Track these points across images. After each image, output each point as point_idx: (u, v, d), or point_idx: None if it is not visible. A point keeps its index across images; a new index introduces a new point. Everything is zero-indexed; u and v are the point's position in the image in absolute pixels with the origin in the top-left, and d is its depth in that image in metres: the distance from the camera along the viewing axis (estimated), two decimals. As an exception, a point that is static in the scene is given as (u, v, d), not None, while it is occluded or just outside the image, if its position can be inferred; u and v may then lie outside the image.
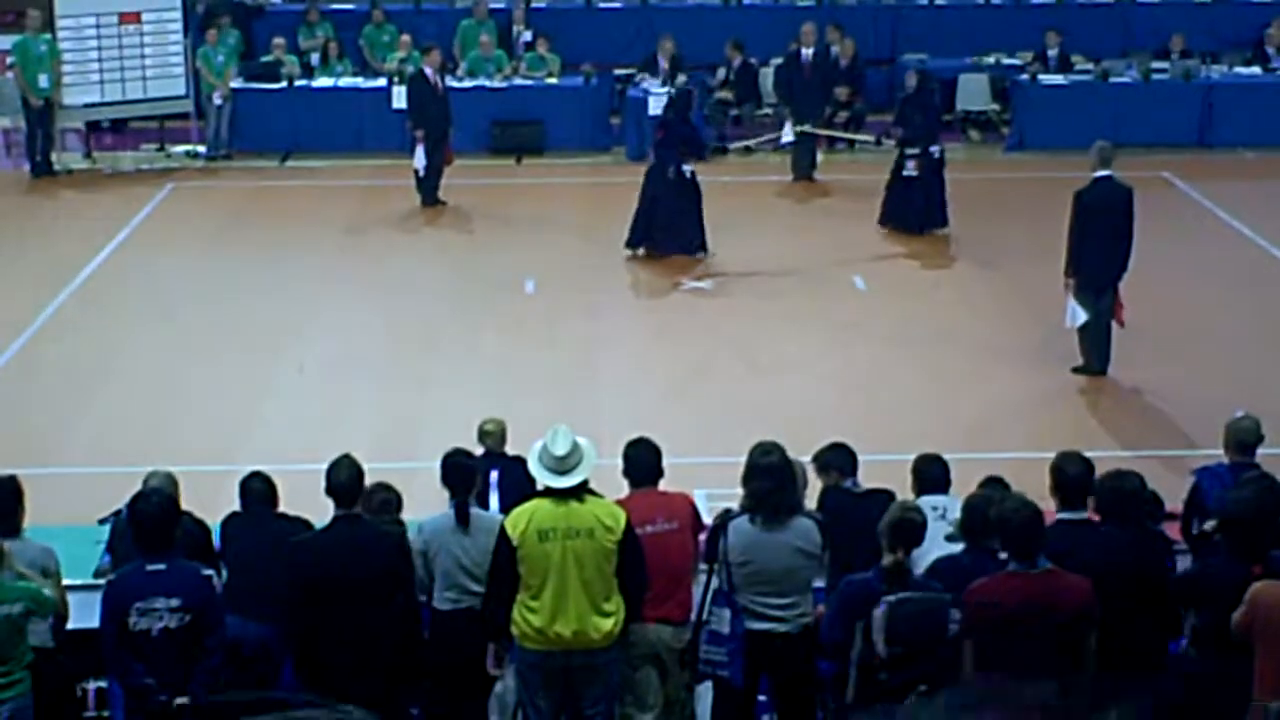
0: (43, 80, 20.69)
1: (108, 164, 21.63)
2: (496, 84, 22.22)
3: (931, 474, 9.05)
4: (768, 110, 22.46)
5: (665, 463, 8.22)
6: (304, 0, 23.84)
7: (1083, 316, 13.85)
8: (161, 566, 7.42)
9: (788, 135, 20.58)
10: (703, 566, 8.25)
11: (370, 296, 16.41)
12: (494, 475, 9.43)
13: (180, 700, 7.30)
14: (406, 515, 8.76)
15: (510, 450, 9.69)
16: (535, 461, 7.76)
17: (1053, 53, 22.57)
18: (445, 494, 8.45)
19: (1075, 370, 14.14)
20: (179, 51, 21.90)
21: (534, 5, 24.27)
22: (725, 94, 22.82)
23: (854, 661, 7.48)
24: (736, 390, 13.89)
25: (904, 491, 8.86)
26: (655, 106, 20.81)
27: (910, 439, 10.80)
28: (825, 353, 14.87)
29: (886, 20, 24.41)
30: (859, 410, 13.10)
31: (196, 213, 19.52)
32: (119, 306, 16.15)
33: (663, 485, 8.24)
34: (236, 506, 8.85)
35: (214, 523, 8.77)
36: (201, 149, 21.77)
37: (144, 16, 21.61)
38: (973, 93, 23.03)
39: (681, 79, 21.45)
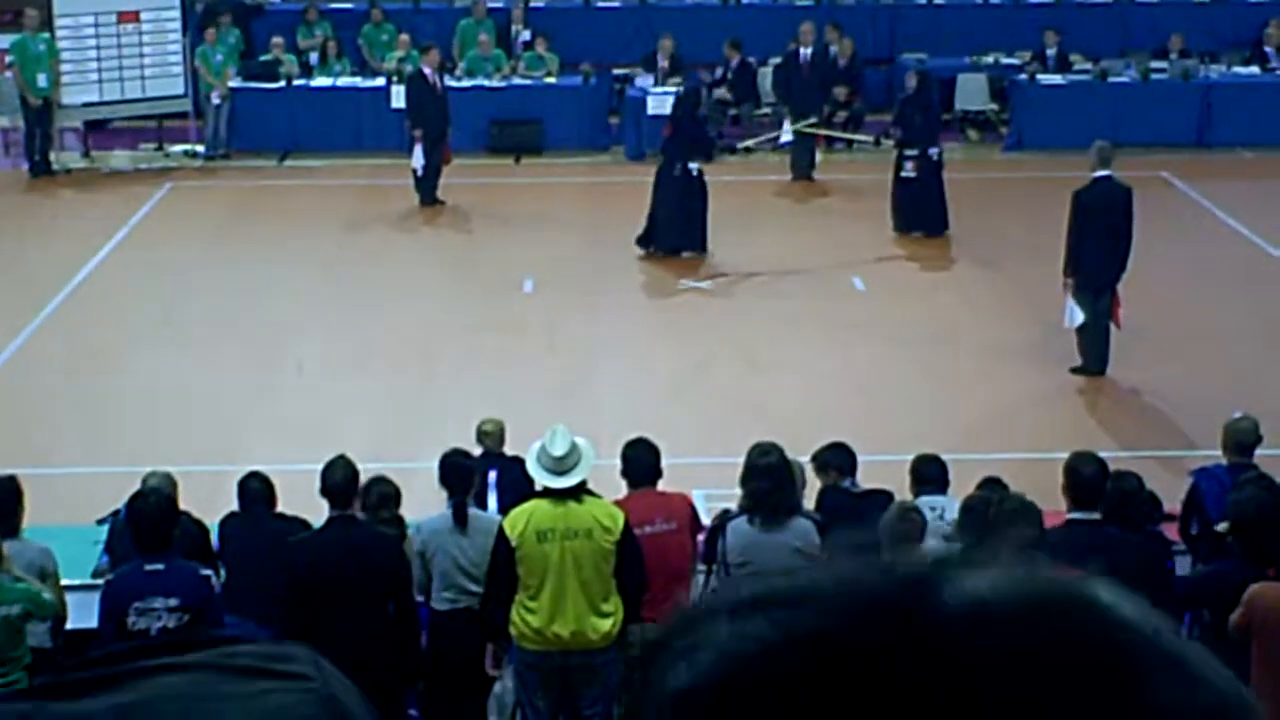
0: (41, 79, 20.68)
1: (105, 163, 21.63)
2: (495, 83, 22.22)
3: (930, 474, 9.06)
4: (766, 110, 22.46)
5: (664, 463, 8.22)
6: (302, 0, 23.84)
7: (1081, 317, 13.85)
8: (160, 566, 7.42)
9: (786, 135, 20.58)
10: (701, 567, 8.26)
11: (368, 296, 16.41)
12: (492, 475, 9.43)
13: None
14: (404, 515, 8.76)
15: (508, 450, 9.69)
16: (533, 462, 7.77)
17: (1051, 52, 22.57)
18: (443, 494, 8.46)
19: (1074, 370, 14.13)
20: (178, 51, 21.90)
21: (532, 4, 24.27)
22: (723, 93, 22.81)
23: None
24: (735, 390, 13.89)
25: (902, 492, 8.87)
26: (654, 106, 20.80)
27: (908, 439, 10.80)
28: (824, 353, 14.86)
29: (885, 20, 24.42)
30: (857, 410, 13.10)
31: (195, 212, 19.51)
32: (117, 306, 16.14)
33: (661, 485, 8.24)
34: (235, 506, 8.86)
35: (212, 523, 8.78)
36: (200, 148, 21.77)
37: (143, 16, 21.61)
38: (971, 92, 23.03)
39: (675, 80, 21.45)
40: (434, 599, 8.23)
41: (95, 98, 21.49)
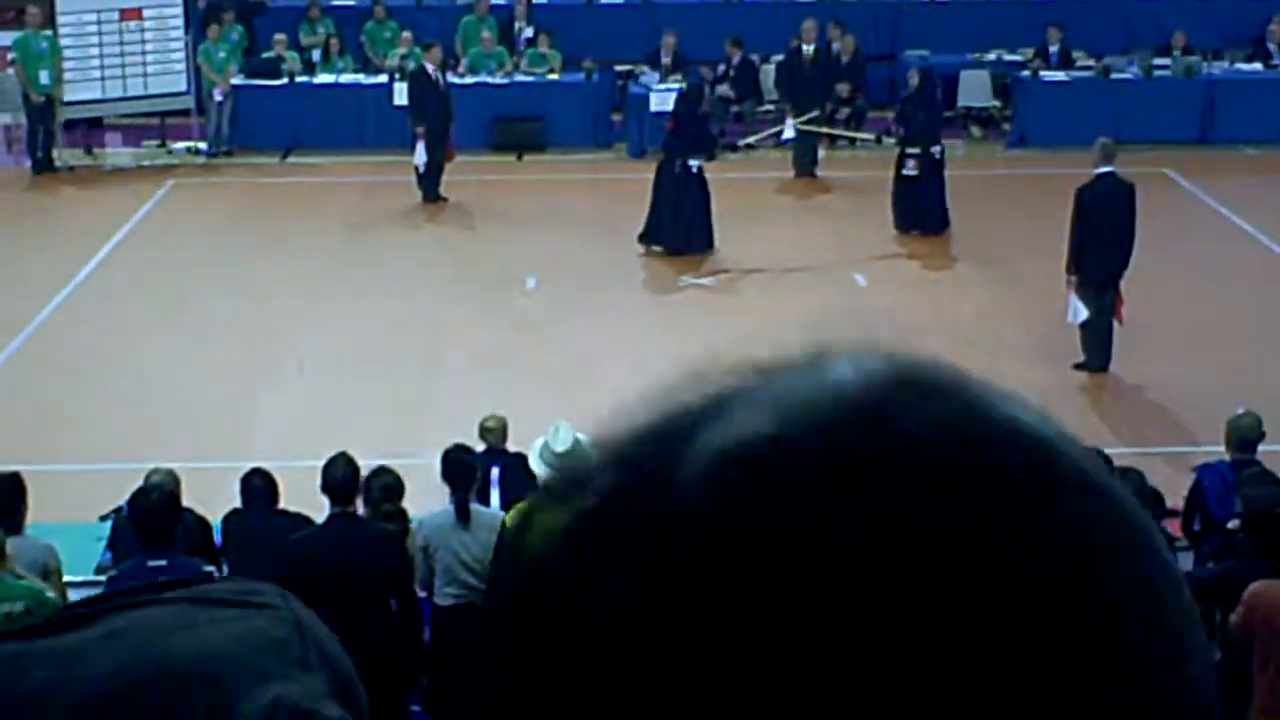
0: (44, 76, 20.68)
1: (108, 161, 21.64)
2: (498, 80, 22.22)
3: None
4: (769, 106, 22.46)
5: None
6: (305, -4, 23.86)
7: (1084, 313, 13.85)
8: (163, 562, 7.43)
9: (789, 131, 20.57)
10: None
11: (371, 293, 16.41)
12: (495, 472, 9.44)
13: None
14: (407, 510, 8.76)
15: (511, 447, 9.70)
16: (536, 458, 7.78)
17: (1054, 49, 22.56)
18: (445, 490, 8.46)
19: (1076, 367, 14.13)
20: (180, 48, 21.91)
21: (535, 1, 24.26)
22: (726, 90, 22.81)
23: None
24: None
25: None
26: (656, 103, 20.80)
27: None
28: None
29: (887, 16, 24.40)
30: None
31: (197, 209, 19.52)
32: (120, 303, 16.15)
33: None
34: (237, 503, 8.86)
35: (215, 519, 8.78)
36: (203, 145, 21.77)
37: (145, 13, 21.62)
38: (974, 89, 23.02)
39: (677, 76, 21.45)
40: (437, 594, 8.23)
41: (98, 95, 21.50)
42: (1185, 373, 14.04)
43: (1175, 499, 9.40)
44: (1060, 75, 22.23)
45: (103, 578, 8.09)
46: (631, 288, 16.73)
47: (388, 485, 8.64)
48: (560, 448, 7.69)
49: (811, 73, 20.77)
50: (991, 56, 23.27)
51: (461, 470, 8.41)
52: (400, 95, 20.84)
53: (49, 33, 20.93)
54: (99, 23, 21.35)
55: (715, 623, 0.70)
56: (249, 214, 19.27)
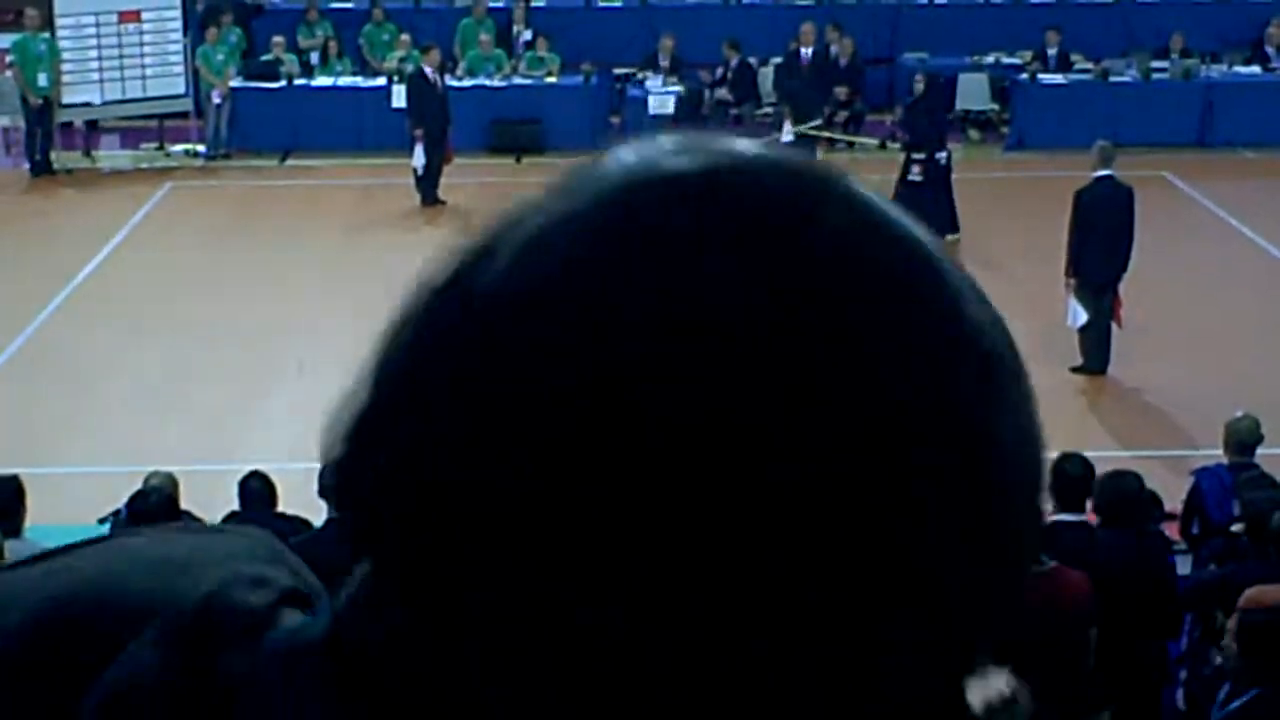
0: (42, 79, 20.68)
1: (106, 163, 21.64)
2: (496, 83, 22.22)
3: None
4: (767, 110, 22.46)
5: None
6: (303, 0, 23.85)
7: (1083, 316, 13.86)
8: (161, 566, 7.43)
9: (787, 135, 20.58)
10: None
11: (369, 295, 16.38)
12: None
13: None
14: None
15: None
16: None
17: (1052, 52, 22.57)
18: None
19: (1074, 370, 14.14)
20: (179, 50, 21.91)
21: (533, 4, 24.27)
22: (724, 94, 22.83)
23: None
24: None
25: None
26: (655, 106, 20.80)
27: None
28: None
29: (886, 19, 24.41)
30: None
31: (196, 211, 19.52)
32: (118, 306, 16.14)
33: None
34: (236, 506, 8.86)
35: (213, 522, 8.77)
36: (201, 148, 21.77)
37: (143, 15, 21.62)
38: (972, 92, 23.03)
39: (674, 80, 21.46)
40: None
41: (96, 97, 21.50)
42: (1184, 376, 14.04)
43: (1174, 502, 9.39)
44: (1058, 78, 22.24)
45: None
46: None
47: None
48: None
49: (810, 76, 20.77)
50: (990, 59, 23.28)
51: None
52: (398, 98, 20.84)
53: (47, 35, 20.93)
54: (97, 25, 21.35)
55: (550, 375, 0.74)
56: (247, 216, 19.27)
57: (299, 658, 0.86)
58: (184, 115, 22.15)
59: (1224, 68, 22.86)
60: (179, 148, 21.87)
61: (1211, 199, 19.53)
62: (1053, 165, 19.89)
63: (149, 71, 21.74)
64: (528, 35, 23.49)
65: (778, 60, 21.62)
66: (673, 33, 22.59)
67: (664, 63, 22.18)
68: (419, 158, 19.29)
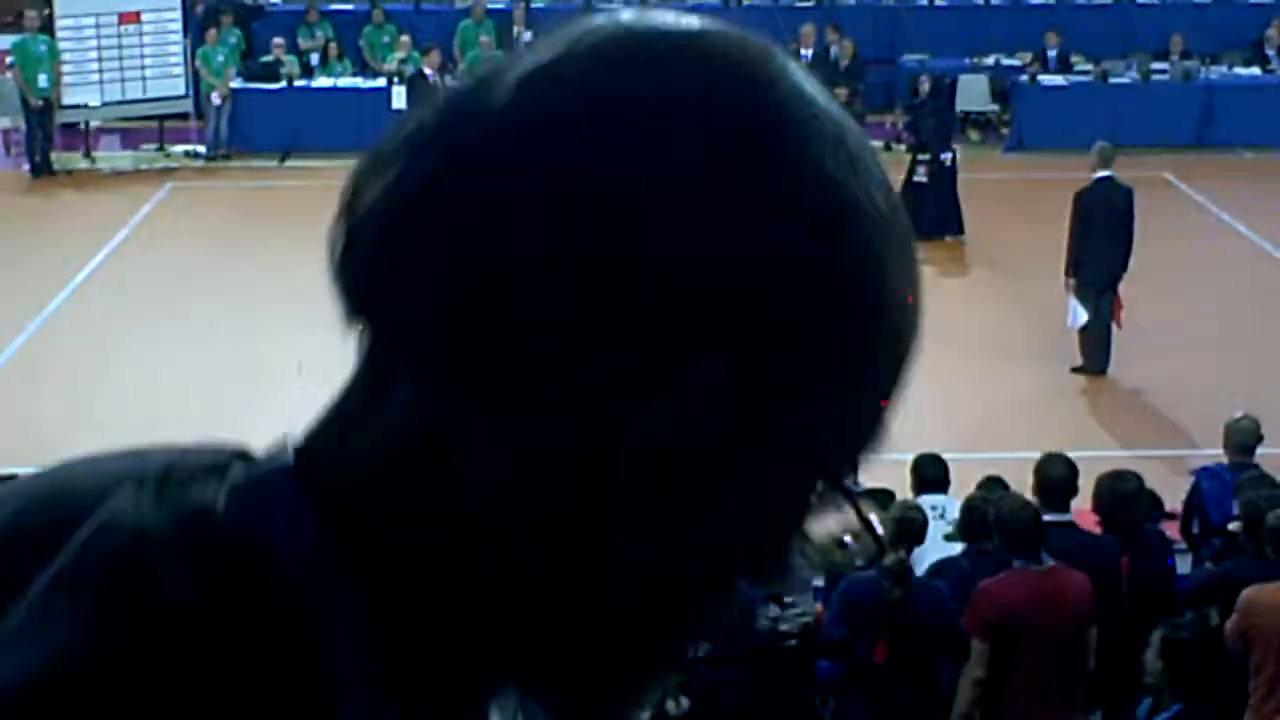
0: (42, 80, 20.68)
1: (106, 164, 21.65)
2: (496, 84, 22.21)
3: (931, 473, 9.07)
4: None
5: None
6: (304, 0, 23.85)
7: (1083, 317, 13.86)
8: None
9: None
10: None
11: (370, 296, 16.39)
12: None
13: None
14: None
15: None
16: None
17: (1052, 53, 22.58)
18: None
19: (1075, 370, 14.14)
20: (179, 51, 21.91)
21: (533, 5, 24.28)
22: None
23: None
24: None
25: (903, 491, 8.87)
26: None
27: (909, 438, 10.79)
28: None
29: (886, 21, 24.42)
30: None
31: (196, 212, 19.52)
32: (118, 306, 16.14)
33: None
34: (236, 506, 8.86)
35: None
36: (201, 149, 21.77)
37: (144, 16, 21.62)
38: (972, 93, 23.02)
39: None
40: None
41: (96, 98, 21.50)
42: (1183, 376, 14.04)
43: (1174, 502, 9.40)
44: (1058, 80, 22.24)
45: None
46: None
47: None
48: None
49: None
50: (989, 61, 23.27)
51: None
52: (399, 99, 20.85)
53: (47, 36, 20.93)
54: (97, 26, 21.35)
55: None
56: (247, 217, 19.27)
57: (270, 480, 0.97)
58: (184, 116, 22.15)
59: (1224, 69, 22.86)
60: (179, 149, 21.87)
61: (1211, 200, 19.54)
62: (1053, 166, 19.89)
63: (149, 73, 21.74)
64: (528, 36, 23.49)
65: (777, 61, 21.63)
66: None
67: (664, 64, 22.19)
68: (419, 158, 19.28)
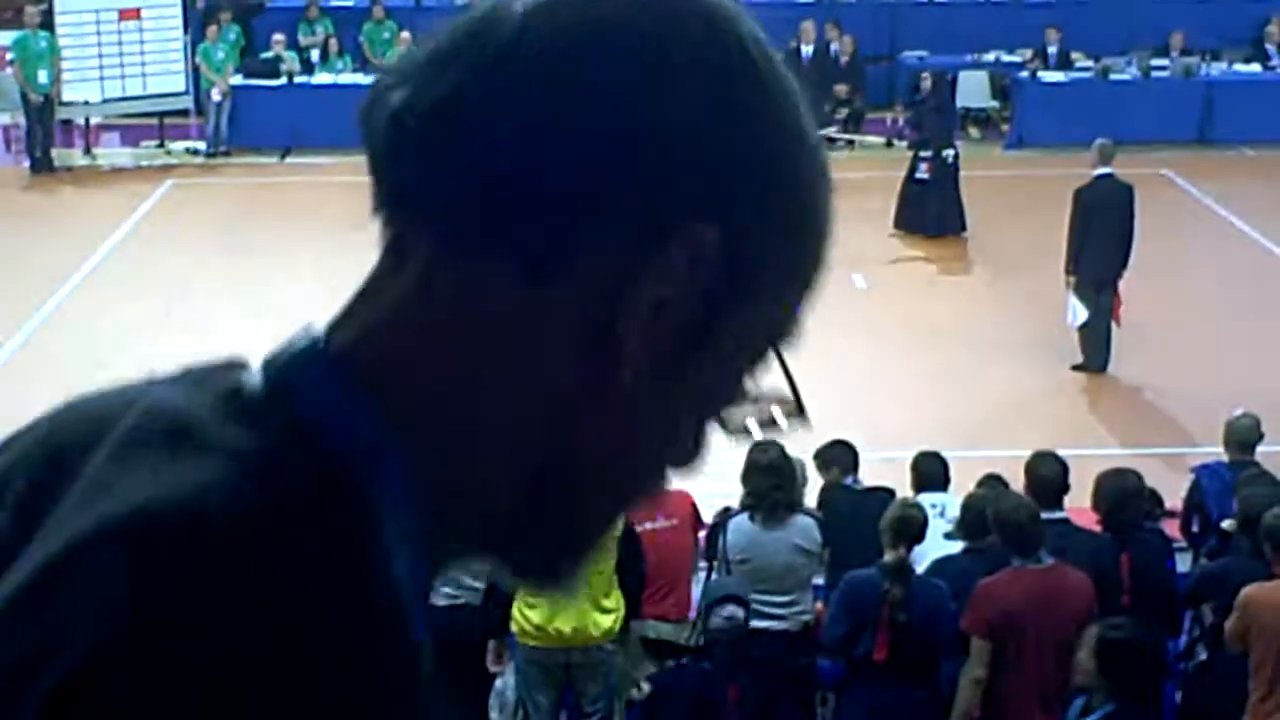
0: (42, 76, 20.68)
1: (106, 160, 21.65)
2: (496, 81, 22.22)
3: (931, 471, 9.07)
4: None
5: (665, 460, 8.21)
6: (304, -3, 23.86)
7: (1083, 315, 13.86)
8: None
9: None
10: (702, 564, 8.26)
11: (370, 293, 16.39)
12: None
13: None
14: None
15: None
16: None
17: (1053, 50, 22.57)
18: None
19: (1075, 368, 14.14)
20: (179, 48, 21.90)
21: (534, 2, 24.27)
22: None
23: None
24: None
25: (904, 489, 8.87)
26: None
27: (909, 437, 10.79)
28: (825, 350, 14.83)
29: (886, 17, 24.40)
30: (858, 408, 13.09)
31: (196, 209, 19.52)
32: (118, 303, 16.15)
33: (662, 482, 8.24)
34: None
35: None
36: (201, 145, 21.77)
37: (144, 13, 21.62)
38: (972, 90, 23.02)
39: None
40: (434, 595, 8.24)
41: (96, 95, 21.49)
42: (1184, 374, 14.04)
43: (1174, 500, 9.40)
44: (1059, 76, 22.24)
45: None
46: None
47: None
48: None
49: (810, 74, 20.77)
50: (990, 57, 23.28)
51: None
52: (399, 96, 20.82)
53: (48, 32, 20.93)
54: (98, 22, 21.34)
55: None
56: (248, 214, 19.27)
57: (303, 355, 1.19)
58: (184, 113, 22.15)
59: (1224, 66, 22.86)
60: (179, 145, 21.87)
61: (1211, 197, 19.54)
62: (1053, 163, 19.89)
63: (149, 69, 21.74)
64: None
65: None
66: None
67: (664, 61, 22.18)
68: (419, 155, 19.27)
